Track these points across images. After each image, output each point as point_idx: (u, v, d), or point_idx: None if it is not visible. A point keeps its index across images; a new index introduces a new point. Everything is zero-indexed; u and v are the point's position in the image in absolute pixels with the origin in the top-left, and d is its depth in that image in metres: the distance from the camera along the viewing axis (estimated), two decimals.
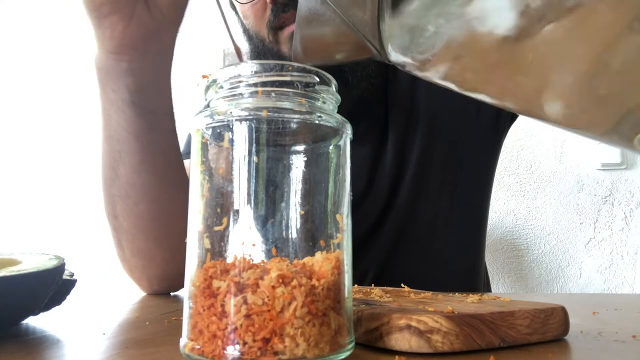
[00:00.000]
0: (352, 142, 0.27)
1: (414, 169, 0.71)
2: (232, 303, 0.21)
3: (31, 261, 0.36)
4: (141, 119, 0.52)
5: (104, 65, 0.50)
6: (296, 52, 0.31)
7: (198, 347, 0.22)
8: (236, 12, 0.72)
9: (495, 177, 0.80)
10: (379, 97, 0.73)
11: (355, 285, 0.46)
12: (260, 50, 0.68)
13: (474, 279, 0.77)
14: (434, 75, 0.27)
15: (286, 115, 0.24)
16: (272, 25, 0.65)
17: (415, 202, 0.71)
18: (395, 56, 0.27)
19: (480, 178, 0.76)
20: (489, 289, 0.85)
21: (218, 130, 0.24)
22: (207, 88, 0.25)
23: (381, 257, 0.71)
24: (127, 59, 0.49)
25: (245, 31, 0.71)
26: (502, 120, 0.74)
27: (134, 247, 0.58)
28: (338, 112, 0.26)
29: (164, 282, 0.61)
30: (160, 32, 0.50)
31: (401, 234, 0.71)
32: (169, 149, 0.57)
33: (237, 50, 0.71)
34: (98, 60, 0.50)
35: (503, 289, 1.43)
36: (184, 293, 0.24)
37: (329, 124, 0.25)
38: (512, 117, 0.75)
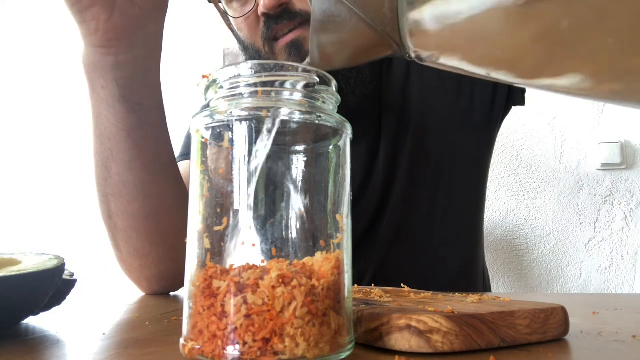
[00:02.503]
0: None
1: (406, 168, 0.72)
2: (232, 303, 0.21)
3: (31, 261, 0.36)
4: (131, 115, 0.52)
5: (91, 62, 0.50)
6: (314, 59, 0.30)
7: (198, 347, 0.22)
8: (230, 24, 0.72)
9: (495, 177, 0.80)
10: (374, 102, 0.73)
11: (355, 285, 0.46)
12: None
13: (472, 276, 0.77)
14: (459, 60, 0.26)
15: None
16: (266, 37, 0.65)
17: (410, 199, 0.72)
18: (416, 48, 0.26)
19: (475, 173, 0.76)
20: (489, 289, 0.85)
21: (218, 130, 0.24)
22: (207, 88, 0.25)
23: (379, 255, 0.72)
24: (114, 52, 0.49)
25: (241, 42, 0.71)
26: (494, 114, 0.74)
27: (130, 247, 0.59)
28: None
29: (162, 281, 0.61)
30: (145, 21, 0.50)
31: (398, 232, 0.72)
32: (160, 143, 0.57)
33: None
34: (85, 57, 0.50)
35: (503, 289, 1.43)
36: (184, 293, 0.24)
37: (328, 124, 0.25)
38: (505, 110, 0.76)
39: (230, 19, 0.70)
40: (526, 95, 0.75)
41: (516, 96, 0.74)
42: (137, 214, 0.56)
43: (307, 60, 0.30)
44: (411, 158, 0.72)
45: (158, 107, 0.56)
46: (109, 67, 0.50)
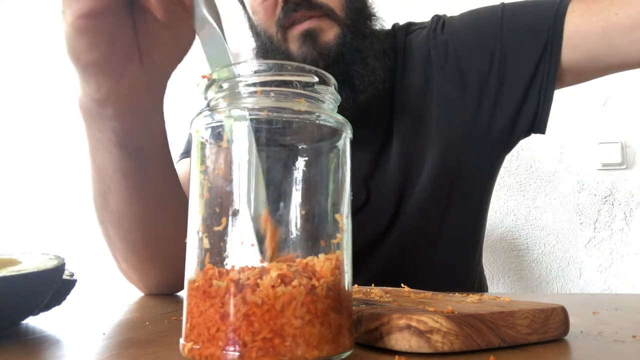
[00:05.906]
0: (352, 146, 0.27)
1: (425, 182, 0.69)
2: (231, 303, 0.21)
3: (31, 261, 0.36)
4: (130, 160, 0.47)
5: (87, 109, 0.44)
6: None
7: (198, 347, 0.22)
8: (244, 8, 0.71)
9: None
10: (385, 103, 0.72)
11: (355, 285, 0.46)
12: (268, 48, 0.67)
13: (472, 286, 0.77)
14: None
15: (286, 115, 0.24)
16: (281, 24, 0.64)
17: (423, 217, 0.70)
18: None
19: (485, 190, 0.75)
20: (486, 291, 0.85)
21: (218, 131, 0.24)
22: (207, 88, 0.25)
23: (382, 269, 0.71)
24: (112, 107, 0.43)
25: (253, 27, 0.70)
26: (513, 137, 0.71)
27: (129, 264, 0.58)
28: (342, 115, 0.26)
29: (161, 287, 0.61)
30: (152, 86, 0.45)
31: (404, 249, 0.70)
32: (161, 184, 0.52)
33: None
34: (82, 102, 0.44)
35: (503, 289, 1.43)
36: (184, 293, 0.24)
37: (328, 124, 0.25)
38: (527, 132, 0.72)
39: (246, 1, 0.69)
40: None
41: (541, 125, 0.69)
42: (136, 240, 0.54)
43: None
44: (430, 174, 0.69)
45: (161, 149, 0.50)
46: (107, 118, 0.44)
